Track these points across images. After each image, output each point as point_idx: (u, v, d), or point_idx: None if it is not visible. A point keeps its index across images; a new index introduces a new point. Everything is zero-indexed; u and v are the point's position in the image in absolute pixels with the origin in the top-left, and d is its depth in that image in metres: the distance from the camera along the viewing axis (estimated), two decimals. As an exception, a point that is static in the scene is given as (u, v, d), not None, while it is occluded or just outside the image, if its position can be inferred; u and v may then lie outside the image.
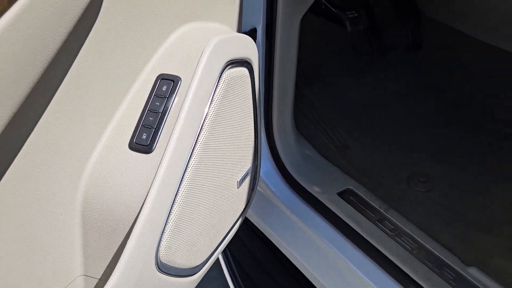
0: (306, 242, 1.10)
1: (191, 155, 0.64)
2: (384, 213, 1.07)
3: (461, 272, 0.94)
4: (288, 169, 1.15)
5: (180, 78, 0.64)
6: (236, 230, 0.89)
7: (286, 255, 1.15)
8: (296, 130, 1.23)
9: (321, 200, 1.10)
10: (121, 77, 0.62)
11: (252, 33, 1.03)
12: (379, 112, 1.49)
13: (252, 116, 0.82)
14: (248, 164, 0.85)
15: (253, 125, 0.83)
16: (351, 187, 1.14)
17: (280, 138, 1.16)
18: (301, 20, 1.05)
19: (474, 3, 1.63)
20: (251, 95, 0.80)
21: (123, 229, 0.61)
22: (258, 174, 0.93)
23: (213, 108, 0.67)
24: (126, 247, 0.56)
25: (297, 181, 1.14)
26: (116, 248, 0.62)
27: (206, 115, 0.66)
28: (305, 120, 1.38)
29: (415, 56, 1.67)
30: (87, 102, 0.58)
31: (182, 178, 0.63)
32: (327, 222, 1.06)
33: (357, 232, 1.02)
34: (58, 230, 0.60)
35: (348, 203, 1.09)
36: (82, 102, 0.57)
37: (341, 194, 1.12)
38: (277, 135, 1.16)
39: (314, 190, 1.12)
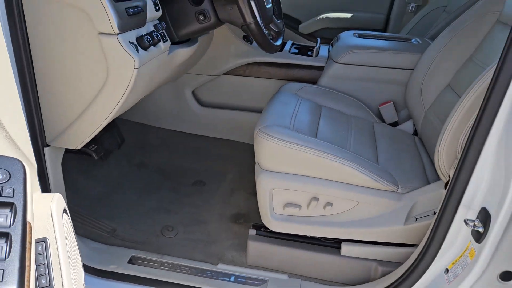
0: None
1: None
2: (161, 260, 1.66)
3: (216, 269, 1.64)
4: (86, 264, 1.56)
5: (47, 238, 1.04)
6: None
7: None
8: (76, 234, 1.64)
9: (119, 272, 1.58)
10: None
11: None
12: (118, 195, 2.03)
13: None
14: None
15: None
16: (133, 254, 1.66)
17: (71, 245, 1.55)
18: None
19: (148, 106, 2.42)
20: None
21: None
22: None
23: (69, 247, 1.09)
24: None
25: (97, 269, 1.57)
26: None
27: (67, 253, 1.08)
28: (76, 223, 1.77)
29: (124, 147, 2.30)
30: None
31: (74, 293, 1.04)
32: (131, 284, 1.56)
33: (153, 279, 1.57)
34: None
35: (138, 265, 1.62)
36: None
37: (130, 262, 1.63)
38: (68, 244, 1.54)
39: (112, 268, 1.58)
